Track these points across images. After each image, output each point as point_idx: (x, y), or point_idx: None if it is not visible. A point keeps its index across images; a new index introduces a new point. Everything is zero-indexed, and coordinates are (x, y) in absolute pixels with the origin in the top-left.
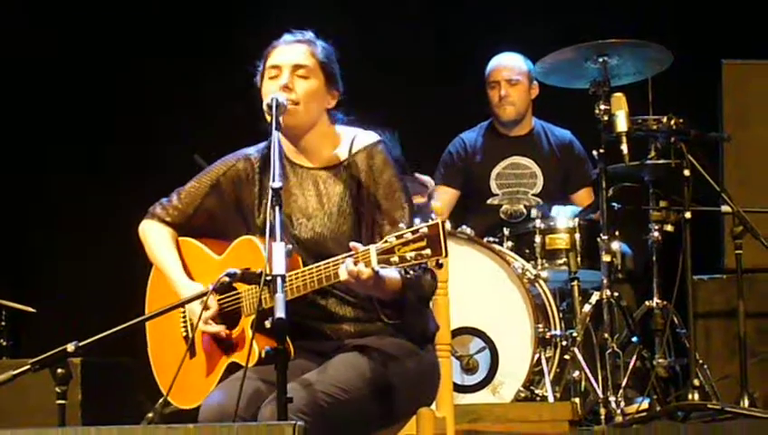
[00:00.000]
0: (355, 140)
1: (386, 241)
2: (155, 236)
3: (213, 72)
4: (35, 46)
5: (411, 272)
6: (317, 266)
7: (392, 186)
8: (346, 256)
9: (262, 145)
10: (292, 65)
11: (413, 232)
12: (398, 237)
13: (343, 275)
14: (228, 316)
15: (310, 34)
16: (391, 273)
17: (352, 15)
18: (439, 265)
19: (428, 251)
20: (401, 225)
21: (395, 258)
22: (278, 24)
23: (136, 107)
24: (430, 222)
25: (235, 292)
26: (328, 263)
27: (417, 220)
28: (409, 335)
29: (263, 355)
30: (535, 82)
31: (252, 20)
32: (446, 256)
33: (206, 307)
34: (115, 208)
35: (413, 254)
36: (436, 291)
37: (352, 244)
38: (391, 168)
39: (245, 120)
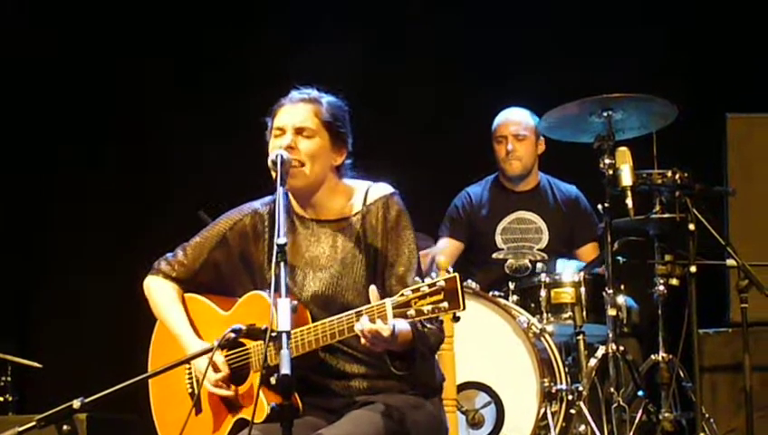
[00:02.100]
0: (369, 191)
1: (402, 294)
2: (160, 292)
3: (213, 71)
4: (35, 46)
5: (427, 326)
6: (330, 321)
7: (405, 239)
8: (360, 310)
9: (268, 199)
10: (294, 127)
11: (430, 286)
12: (414, 291)
13: (360, 333)
14: (236, 372)
15: (315, 93)
16: (403, 325)
17: (353, 66)
18: (456, 319)
19: (446, 304)
20: (408, 279)
21: (411, 311)
22: (278, 25)
23: (136, 107)
24: (447, 275)
25: (243, 347)
26: (341, 317)
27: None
28: (417, 387)
29: (269, 411)
30: (542, 138)
31: (252, 20)
32: (464, 308)
33: (216, 369)
34: (118, 257)
35: (430, 307)
36: (442, 345)
37: (372, 287)
38: (406, 220)
39: (245, 120)
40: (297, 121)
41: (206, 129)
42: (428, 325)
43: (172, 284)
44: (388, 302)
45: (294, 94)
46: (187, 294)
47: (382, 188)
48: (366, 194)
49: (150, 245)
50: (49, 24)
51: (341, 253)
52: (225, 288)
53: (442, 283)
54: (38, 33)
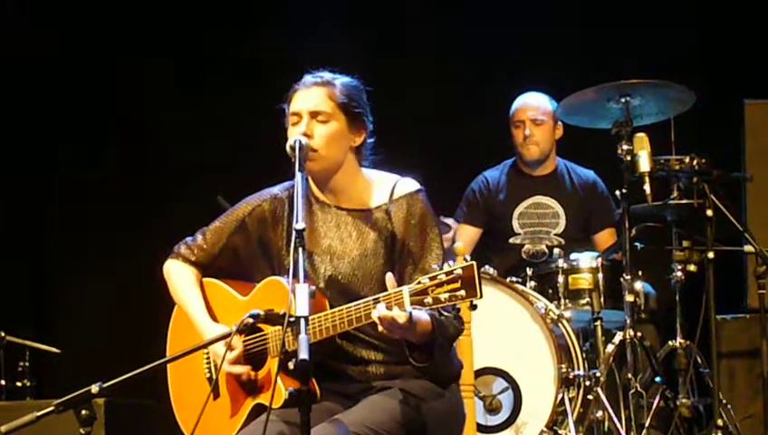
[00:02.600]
0: (397, 185)
1: (419, 282)
2: (179, 276)
3: (213, 71)
4: (35, 46)
5: (444, 313)
6: (347, 308)
7: (429, 237)
8: (377, 298)
9: (288, 184)
10: (309, 112)
11: (447, 274)
12: (431, 279)
13: (377, 320)
14: (254, 358)
15: (328, 75)
16: (422, 315)
17: (367, 50)
18: (473, 307)
19: (463, 292)
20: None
21: (428, 299)
22: (278, 25)
23: (136, 107)
24: (465, 263)
25: (261, 333)
26: (359, 304)
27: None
28: (435, 377)
29: (287, 396)
30: (560, 123)
31: (252, 20)
32: (481, 297)
33: (230, 348)
34: (137, 249)
35: (447, 295)
36: None
37: (388, 275)
38: (431, 218)
39: (246, 120)
40: (311, 106)
41: (206, 129)
42: (445, 313)
43: (191, 268)
44: (406, 289)
45: (308, 78)
46: (205, 279)
47: (409, 185)
48: (393, 189)
49: (169, 230)
50: (49, 24)
51: (362, 243)
52: (244, 273)
53: (459, 271)
54: (38, 33)
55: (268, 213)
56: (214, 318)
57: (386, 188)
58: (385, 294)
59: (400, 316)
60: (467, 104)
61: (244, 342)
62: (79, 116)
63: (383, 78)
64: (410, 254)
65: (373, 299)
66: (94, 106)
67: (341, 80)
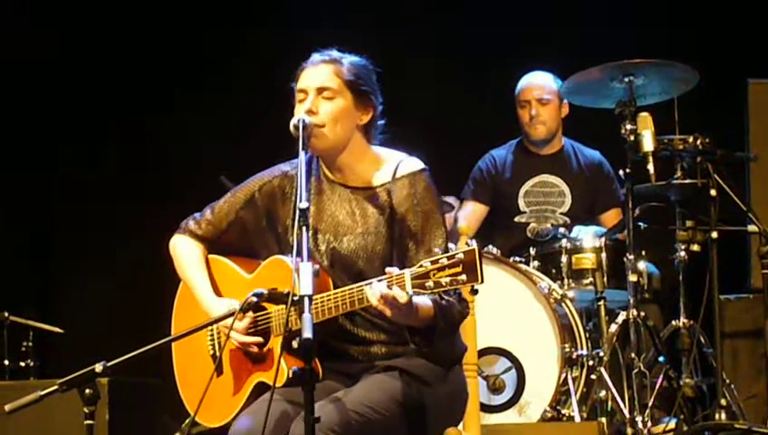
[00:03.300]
0: (400, 165)
1: (421, 266)
2: (185, 252)
3: (213, 71)
4: (35, 46)
5: (445, 298)
6: (350, 289)
7: (431, 216)
8: (380, 279)
9: (297, 161)
10: (315, 88)
11: (449, 257)
12: (433, 262)
13: (375, 300)
14: (258, 335)
15: (336, 53)
16: (424, 300)
17: (375, 29)
18: (474, 292)
19: (464, 277)
20: (436, 250)
21: (430, 283)
22: (278, 25)
23: (136, 107)
24: (466, 248)
25: (265, 311)
26: (361, 286)
27: (451, 246)
28: (437, 360)
29: (290, 375)
30: (566, 101)
31: (252, 20)
32: (482, 281)
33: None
34: (140, 227)
35: (448, 279)
36: None
37: (388, 269)
38: (433, 198)
39: (246, 120)
40: (318, 82)
41: (206, 128)
42: (447, 297)
43: (197, 243)
44: (407, 272)
45: (315, 56)
46: (210, 256)
47: (413, 164)
48: (396, 167)
49: (176, 203)
50: (49, 24)
51: (365, 221)
52: (250, 249)
53: (461, 255)
54: (38, 33)
55: (278, 189)
56: (219, 295)
57: (390, 166)
58: (387, 275)
59: (401, 296)
60: (472, 83)
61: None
62: (79, 116)
63: (385, 55)
64: (412, 233)
65: (377, 280)
66: (94, 106)
67: (350, 58)
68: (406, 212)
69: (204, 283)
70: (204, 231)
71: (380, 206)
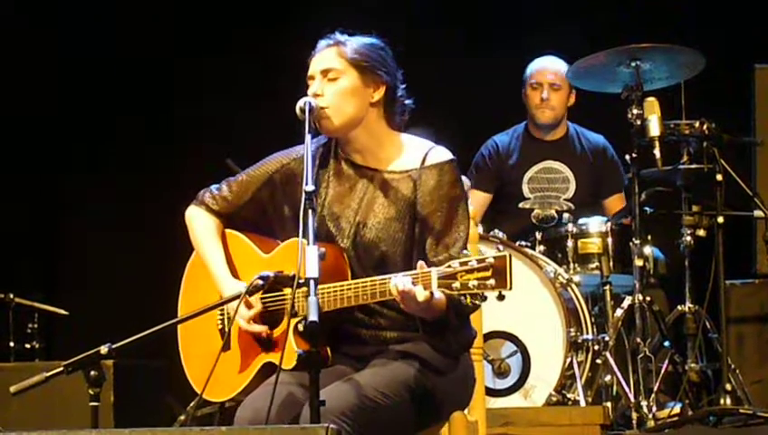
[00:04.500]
0: (430, 152)
1: (449, 266)
2: (201, 224)
3: (214, 71)
4: (35, 46)
5: (468, 296)
6: (372, 280)
7: (456, 209)
8: (405, 275)
9: (315, 142)
10: (320, 71)
11: (479, 261)
12: (462, 264)
13: (395, 292)
14: (272, 316)
15: (340, 36)
16: (439, 295)
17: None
18: (501, 298)
19: (493, 282)
20: (453, 250)
21: (456, 284)
22: (278, 24)
23: (137, 107)
24: (498, 253)
25: (280, 292)
26: (384, 279)
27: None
28: (446, 350)
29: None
30: (574, 91)
31: (252, 20)
32: (511, 288)
33: (248, 305)
34: (145, 209)
35: (476, 283)
36: None
37: (420, 262)
38: (459, 190)
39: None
40: (323, 65)
41: (206, 128)
42: (470, 299)
43: (213, 217)
44: (434, 271)
45: (321, 42)
46: (228, 231)
47: (442, 154)
48: (426, 155)
49: (179, 188)
50: (49, 24)
51: (388, 206)
52: (267, 228)
53: (491, 259)
54: (38, 33)
55: (297, 171)
56: (233, 271)
57: (418, 153)
58: (413, 272)
59: (420, 293)
60: (476, 69)
61: (262, 299)
62: (79, 116)
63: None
64: (433, 225)
65: (402, 274)
66: (94, 106)
67: (354, 39)
68: (430, 202)
69: (218, 258)
70: (219, 207)
71: (405, 192)
